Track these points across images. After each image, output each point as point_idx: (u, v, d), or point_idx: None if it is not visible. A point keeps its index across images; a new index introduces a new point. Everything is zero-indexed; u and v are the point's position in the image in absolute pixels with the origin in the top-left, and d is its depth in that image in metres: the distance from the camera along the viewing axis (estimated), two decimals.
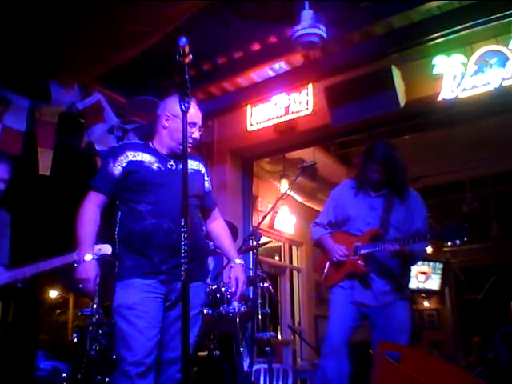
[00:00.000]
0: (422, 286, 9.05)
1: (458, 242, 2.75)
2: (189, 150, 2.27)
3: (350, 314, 2.95)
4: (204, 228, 2.44)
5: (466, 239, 2.70)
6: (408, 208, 3.02)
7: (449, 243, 9.27)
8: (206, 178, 2.50)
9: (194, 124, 2.35)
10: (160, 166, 2.29)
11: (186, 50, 1.78)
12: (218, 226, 2.57)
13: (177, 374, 2.17)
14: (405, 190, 3.05)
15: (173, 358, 2.17)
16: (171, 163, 2.33)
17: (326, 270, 3.17)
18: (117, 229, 2.30)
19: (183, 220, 1.75)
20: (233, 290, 2.38)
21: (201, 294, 2.36)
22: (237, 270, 2.42)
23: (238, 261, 2.45)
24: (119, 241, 2.28)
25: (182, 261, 1.71)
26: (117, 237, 2.29)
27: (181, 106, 1.79)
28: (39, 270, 2.97)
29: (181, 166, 2.27)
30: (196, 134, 2.37)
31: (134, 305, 2.11)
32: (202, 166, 2.49)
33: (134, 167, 2.26)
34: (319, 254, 3.29)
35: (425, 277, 9.04)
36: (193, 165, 2.42)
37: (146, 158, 2.29)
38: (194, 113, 2.36)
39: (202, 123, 2.46)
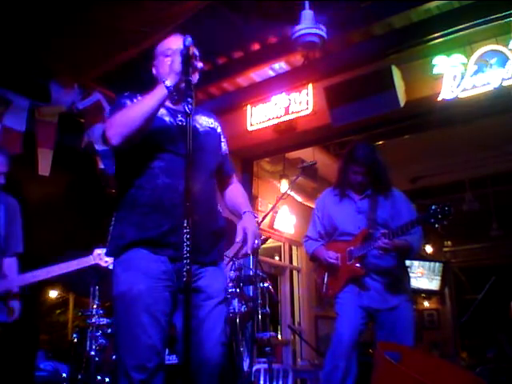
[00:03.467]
0: (421, 285, 9.04)
1: (444, 222, 2.73)
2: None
3: (358, 316, 2.96)
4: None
5: (450, 216, 2.68)
6: (393, 205, 3.04)
7: (449, 243, 9.33)
8: (222, 138, 2.16)
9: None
10: (171, 119, 1.96)
11: (191, 49, 1.76)
12: (232, 189, 2.21)
13: (207, 378, 1.85)
14: (388, 189, 3.07)
15: (200, 358, 1.83)
16: (180, 118, 1.96)
17: (325, 281, 3.19)
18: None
19: (185, 220, 1.61)
20: (238, 240, 1.93)
21: (220, 278, 1.97)
22: (245, 220, 1.99)
23: (248, 213, 2.04)
24: (121, 204, 1.92)
25: (185, 261, 1.59)
26: (120, 200, 1.93)
27: (184, 107, 1.71)
28: (53, 273, 2.96)
29: (195, 124, 1.97)
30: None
31: (140, 294, 1.78)
32: (217, 124, 2.16)
33: None
34: (317, 267, 3.30)
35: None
36: (208, 122, 2.10)
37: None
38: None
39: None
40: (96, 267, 3.05)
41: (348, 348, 2.90)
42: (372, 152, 3.08)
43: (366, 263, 2.97)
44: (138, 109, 1.81)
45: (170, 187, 1.84)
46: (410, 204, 3.11)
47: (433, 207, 2.70)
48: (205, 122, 2.08)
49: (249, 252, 1.94)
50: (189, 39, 1.76)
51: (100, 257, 2.99)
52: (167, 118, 1.95)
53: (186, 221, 1.60)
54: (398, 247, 2.88)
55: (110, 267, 2.94)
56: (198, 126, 2.02)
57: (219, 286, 1.94)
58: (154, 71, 2.07)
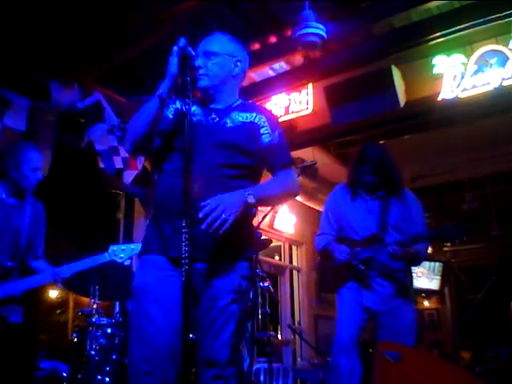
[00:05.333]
0: (421, 285, 9.04)
1: (457, 241, 2.75)
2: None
3: (358, 313, 2.95)
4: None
5: (464, 238, 2.70)
6: (405, 207, 3.03)
7: (448, 243, 9.33)
8: (263, 130, 1.98)
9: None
10: (201, 118, 1.94)
11: (187, 50, 1.76)
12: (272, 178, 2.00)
13: (213, 381, 1.77)
14: (400, 190, 3.07)
15: (208, 359, 1.78)
16: (213, 116, 1.95)
17: (326, 277, 3.19)
18: None
19: (184, 221, 1.62)
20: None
21: (231, 279, 1.84)
22: (230, 194, 1.76)
23: (246, 193, 1.77)
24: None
25: (183, 261, 1.58)
26: None
27: (182, 107, 1.74)
28: (77, 270, 2.96)
29: (226, 120, 1.94)
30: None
31: (147, 286, 1.80)
32: (260, 117, 2.00)
33: (178, 118, 1.92)
34: (323, 264, 3.28)
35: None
36: (244, 117, 1.98)
37: (192, 108, 1.93)
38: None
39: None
40: (102, 266, 3.04)
41: (349, 346, 2.88)
42: (381, 152, 3.07)
43: (374, 265, 2.97)
44: (139, 118, 1.87)
45: (172, 186, 1.83)
46: (421, 207, 3.09)
47: (449, 227, 2.73)
48: (240, 117, 1.97)
49: (202, 227, 1.68)
50: (182, 40, 1.76)
51: (115, 253, 2.97)
52: (196, 118, 1.92)
53: (184, 221, 1.61)
54: (408, 255, 2.89)
55: (126, 263, 2.99)
56: (228, 121, 1.95)
57: (226, 287, 1.83)
58: None
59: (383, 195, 3.06)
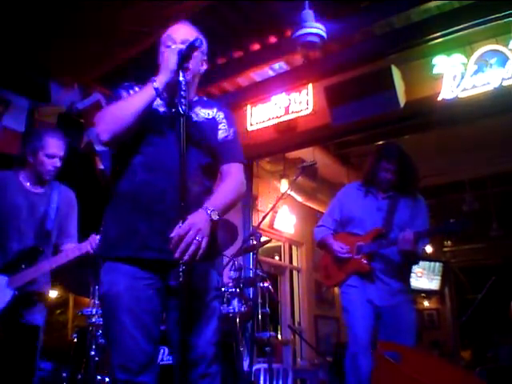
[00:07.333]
0: (421, 285, 9.04)
1: (460, 234, 2.79)
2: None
3: (370, 312, 2.95)
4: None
5: (466, 230, 2.73)
6: (413, 210, 3.06)
7: (449, 242, 9.33)
8: (220, 126, 1.96)
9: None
10: (166, 110, 1.88)
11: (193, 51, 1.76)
12: (222, 184, 1.89)
13: (200, 379, 1.76)
14: (414, 191, 3.09)
15: (195, 358, 1.75)
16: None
17: (328, 270, 3.19)
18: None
19: (181, 222, 1.61)
20: (172, 235, 1.61)
21: (210, 276, 1.84)
22: (192, 216, 1.66)
23: (209, 211, 1.68)
24: (108, 204, 1.89)
25: (180, 262, 1.58)
26: (108, 202, 1.91)
27: (179, 108, 1.71)
28: (55, 264, 2.87)
29: (191, 114, 1.89)
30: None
31: (119, 295, 1.73)
32: (220, 113, 1.98)
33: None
34: (321, 254, 3.30)
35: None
36: (205, 113, 1.96)
37: (156, 102, 1.88)
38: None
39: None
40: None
41: (366, 345, 2.87)
42: (404, 152, 3.10)
43: (377, 261, 2.99)
44: (127, 107, 1.76)
45: (146, 183, 1.77)
46: (427, 214, 3.10)
47: (451, 221, 2.76)
48: (203, 113, 1.94)
49: (176, 256, 1.60)
50: (199, 40, 1.75)
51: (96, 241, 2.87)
52: (161, 109, 1.87)
53: (181, 221, 1.60)
54: (409, 252, 2.89)
55: None
56: (193, 115, 1.91)
57: (208, 284, 1.82)
58: (159, 59, 1.91)
59: (394, 195, 3.08)
